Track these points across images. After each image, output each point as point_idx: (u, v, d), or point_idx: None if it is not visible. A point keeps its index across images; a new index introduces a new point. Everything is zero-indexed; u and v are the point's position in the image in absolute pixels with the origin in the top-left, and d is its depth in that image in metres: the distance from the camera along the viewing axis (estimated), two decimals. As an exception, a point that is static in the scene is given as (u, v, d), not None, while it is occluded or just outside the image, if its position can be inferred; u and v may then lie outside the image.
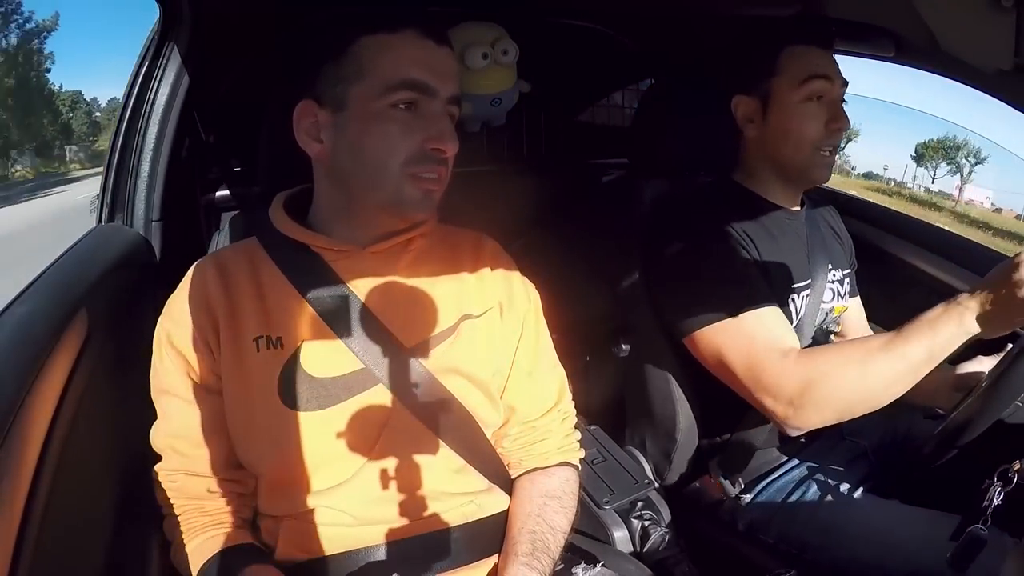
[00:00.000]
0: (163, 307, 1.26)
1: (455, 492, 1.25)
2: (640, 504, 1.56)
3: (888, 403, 1.36)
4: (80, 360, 1.16)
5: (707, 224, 1.59)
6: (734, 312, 1.47)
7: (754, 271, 1.53)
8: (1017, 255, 1.22)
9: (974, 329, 1.27)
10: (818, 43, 1.60)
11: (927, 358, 1.30)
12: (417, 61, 1.17)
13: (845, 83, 1.60)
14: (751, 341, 1.46)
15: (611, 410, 1.92)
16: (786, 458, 1.61)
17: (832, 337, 1.73)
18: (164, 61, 1.61)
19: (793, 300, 1.61)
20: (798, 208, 1.73)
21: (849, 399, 1.37)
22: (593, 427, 1.68)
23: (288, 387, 1.18)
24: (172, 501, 1.23)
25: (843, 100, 1.62)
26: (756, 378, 1.44)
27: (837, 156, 1.64)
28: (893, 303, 2.01)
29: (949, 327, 1.28)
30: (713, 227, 1.58)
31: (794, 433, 1.45)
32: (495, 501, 1.31)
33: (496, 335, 1.32)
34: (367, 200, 1.22)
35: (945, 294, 1.30)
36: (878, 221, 2.20)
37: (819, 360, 1.39)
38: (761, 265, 1.56)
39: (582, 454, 1.44)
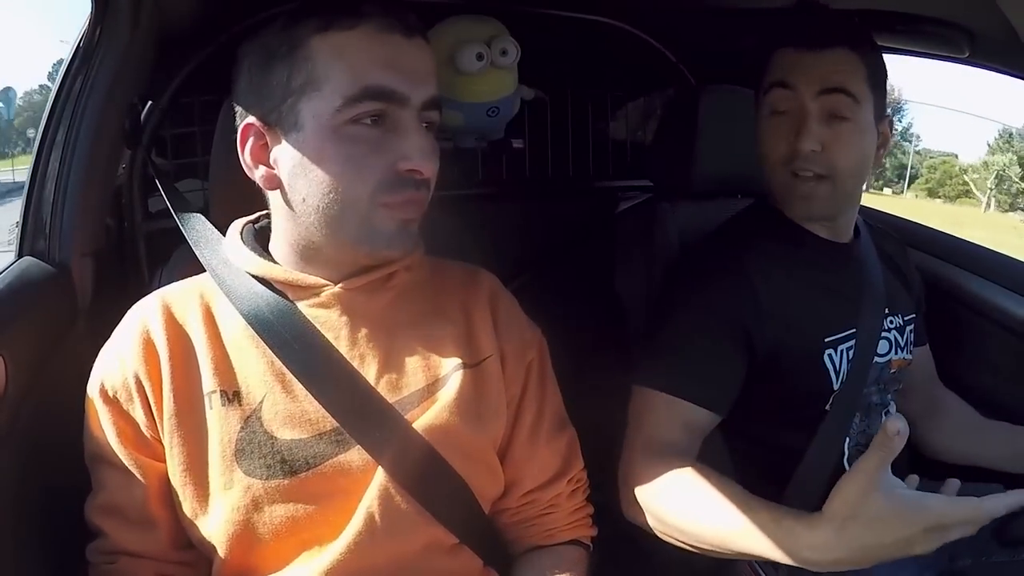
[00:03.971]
0: (96, 356, 1.26)
1: (446, 575, 1.25)
2: (665, 594, 1.56)
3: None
4: None
5: (714, 273, 1.61)
6: (658, 386, 1.52)
7: (723, 357, 1.55)
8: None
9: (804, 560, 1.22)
10: (793, 44, 1.57)
11: (757, 556, 1.29)
12: (379, 61, 1.15)
13: (829, 90, 1.53)
14: (647, 418, 1.52)
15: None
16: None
17: (890, 398, 1.73)
18: (97, 61, 1.61)
19: (829, 355, 1.59)
20: (848, 240, 1.73)
21: (664, 527, 1.39)
22: (609, 500, 1.69)
23: (247, 451, 1.17)
24: None
25: (842, 116, 1.54)
26: (623, 451, 1.51)
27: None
28: (968, 356, 2.01)
29: (800, 555, 1.23)
30: (719, 277, 1.59)
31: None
32: None
33: (495, 388, 1.32)
34: (331, 237, 1.21)
35: None
36: (952, 255, 2.20)
37: (665, 478, 1.40)
38: (781, 316, 1.56)
39: (594, 532, 1.45)
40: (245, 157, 1.23)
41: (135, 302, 1.30)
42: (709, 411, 1.52)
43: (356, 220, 1.18)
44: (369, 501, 1.18)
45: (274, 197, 1.26)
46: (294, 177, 1.19)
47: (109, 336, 1.27)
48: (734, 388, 1.56)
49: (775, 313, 1.56)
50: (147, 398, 1.19)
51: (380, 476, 1.19)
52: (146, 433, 1.20)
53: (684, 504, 1.36)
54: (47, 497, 1.29)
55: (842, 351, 1.61)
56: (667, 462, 1.42)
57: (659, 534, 1.42)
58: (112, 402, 1.20)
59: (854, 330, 1.63)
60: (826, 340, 1.60)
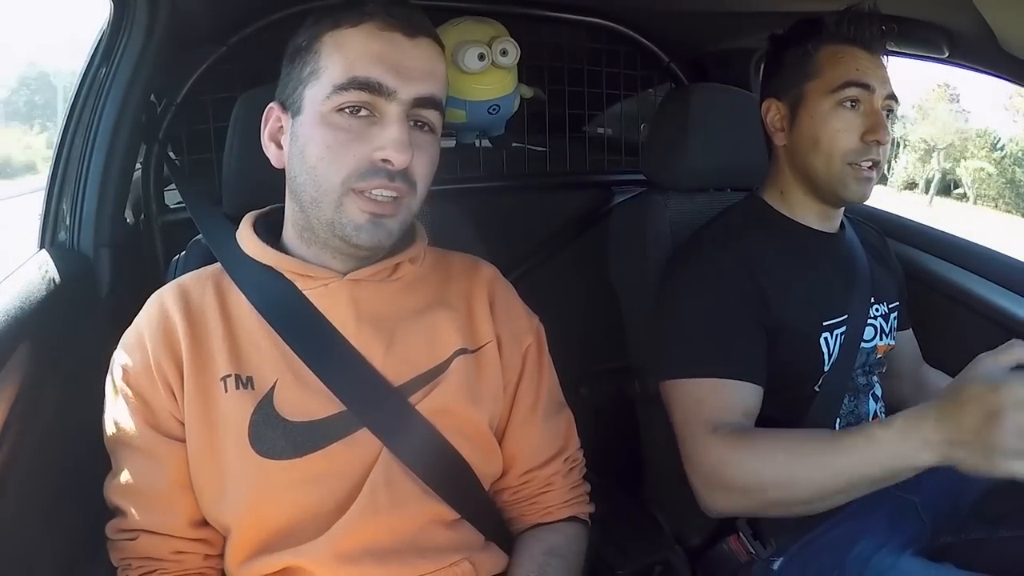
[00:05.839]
0: (115, 342, 1.26)
1: (447, 549, 1.26)
2: (658, 569, 1.57)
3: (823, 510, 1.37)
4: (19, 403, 1.16)
5: (713, 263, 1.62)
6: (693, 374, 1.52)
7: (745, 330, 1.56)
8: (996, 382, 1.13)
9: (931, 463, 1.18)
10: (862, 44, 1.60)
11: (867, 484, 1.27)
12: (372, 56, 1.17)
13: (891, 96, 1.61)
14: (696, 407, 1.50)
15: (625, 461, 1.93)
16: (824, 516, 1.61)
17: (875, 379, 1.73)
18: (116, 61, 1.62)
19: (825, 338, 1.62)
20: (836, 231, 1.75)
21: (763, 496, 1.38)
22: (604, 480, 1.69)
23: (260, 433, 1.18)
24: (129, 563, 1.22)
25: (889, 110, 1.62)
26: (684, 445, 1.50)
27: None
28: (946, 342, 2.01)
29: (900, 456, 1.21)
30: (720, 266, 1.60)
31: (707, 513, 1.47)
32: (492, 560, 1.32)
33: (493, 373, 1.34)
34: (316, 219, 1.22)
35: (1018, 333, 1.27)
36: (929, 245, 2.20)
37: (743, 446, 1.40)
38: (781, 301, 1.57)
39: (592, 509, 1.46)
40: (264, 135, 1.28)
41: (152, 290, 1.31)
42: (753, 384, 1.52)
43: (330, 205, 1.18)
44: (375, 479, 1.20)
45: (285, 175, 1.28)
46: (291, 157, 1.23)
47: (127, 322, 1.28)
48: (764, 360, 1.56)
49: (777, 296, 1.57)
50: (168, 382, 1.20)
51: (385, 455, 1.21)
52: (167, 416, 1.21)
53: (778, 464, 1.35)
54: (67, 476, 1.30)
55: (837, 335, 1.63)
56: (736, 437, 1.42)
57: (757, 510, 1.45)
58: (134, 386, 1.21)
59: (846, 316, 1.65)
60: (823, 324, 1.62)
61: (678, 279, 1.65)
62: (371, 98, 1.16)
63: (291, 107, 1.23)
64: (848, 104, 1.59)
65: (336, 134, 1.16)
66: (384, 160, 1.16)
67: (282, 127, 1.25)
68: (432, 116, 1.23)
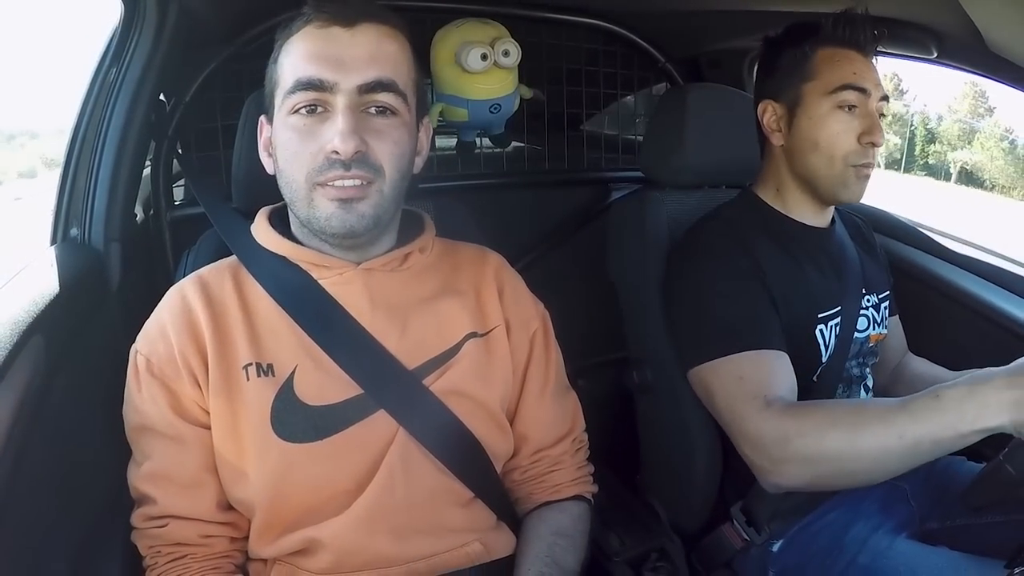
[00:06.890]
0: (125, 334, 1.28)
1: (461, 528, 1.29)
2: (654, 556, 1.57)
3: (881, 480, 1.36)
4: (31, 394, 1.16)
5: (721, 249, 1.63)
6: (729, 351, 1.51)
7: (765, 306, 1.57)
8: None
9: (999, 425, 1.19)
10: (856, 47, 1.62)
11: (931, 445, 1.25)
12: (309, 55, 1.19)
13: (885, 97, 1.62)
14: (739, 384, 1.49)
15: (623, 450, 1.94)
16: (818, 503, 1.62)
17: (868, 371, 1.74)
18: (126, 61, 1.63)
19: (821, 330, 1.63)
20: (828, 226, 1.77)
21: (829, 465, 1.35)
22: (602, 469, 1.70)
23: (282, 417, 1.20)
24: (159, 549, 1.23)
25: (881, 113, 1.63)
26: (737, 424, 1.48)
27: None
28: (934, 332, 2.02)
29: (967, 415, 1.21)
30: (728, 252, 1.61)
31: (773, 490, 1.47)
32: (502, 541, 1.34)
33: (502, 355, 1.37)
34: (299, 217, 1.26)
35: (998, 324, 1.27)
36: (909, 238, 2.24)
37: (804, 415, 1.39)
38: (781, 294, 1.59)
39: (595, 489, 1.48)
40: (260, 146, 1.31)
41: (161, 284, 1.33)
42: (786, 354, 1.52)
43: (303, 202, 1.22)
44: (392, 459, 1.22)
45: None
46: (274, 164, 1.27)
47: (137, 315, 1.30)
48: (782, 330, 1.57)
49: (776, 287, 1.59)
50: (192, 372, 1.22)
51: (401, 436, 1.24)
52: (192, 403, 1.23)
53: (844, 430, 1.32)
54: (79, 467, 1.30)
55: (832, 327, 1.65)
56: (796, 409, 1.41)
57: (823, 480, 1.39)
58: (159, 375, 1.23)
59: (840, 307, 1.67)
60: (818, 316, 1.64)
61: (691, 270, 1.66)
62: (318, 95, 1.18)
63: (269, 117, 1.27)
64: (846, 107, 1.60)
65: (294, 135, 1.20)
66: (334, 152, 1.17)
67: (270, 137, 1.27)
68: (389, 99, 1.22)
